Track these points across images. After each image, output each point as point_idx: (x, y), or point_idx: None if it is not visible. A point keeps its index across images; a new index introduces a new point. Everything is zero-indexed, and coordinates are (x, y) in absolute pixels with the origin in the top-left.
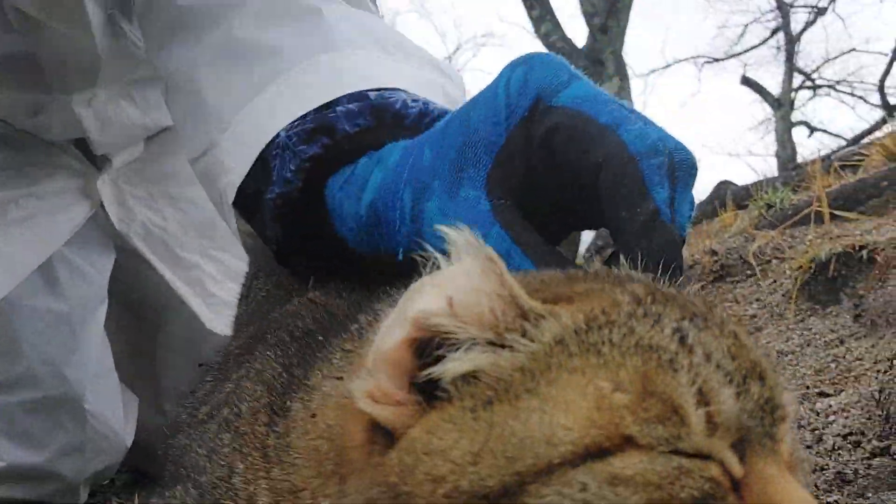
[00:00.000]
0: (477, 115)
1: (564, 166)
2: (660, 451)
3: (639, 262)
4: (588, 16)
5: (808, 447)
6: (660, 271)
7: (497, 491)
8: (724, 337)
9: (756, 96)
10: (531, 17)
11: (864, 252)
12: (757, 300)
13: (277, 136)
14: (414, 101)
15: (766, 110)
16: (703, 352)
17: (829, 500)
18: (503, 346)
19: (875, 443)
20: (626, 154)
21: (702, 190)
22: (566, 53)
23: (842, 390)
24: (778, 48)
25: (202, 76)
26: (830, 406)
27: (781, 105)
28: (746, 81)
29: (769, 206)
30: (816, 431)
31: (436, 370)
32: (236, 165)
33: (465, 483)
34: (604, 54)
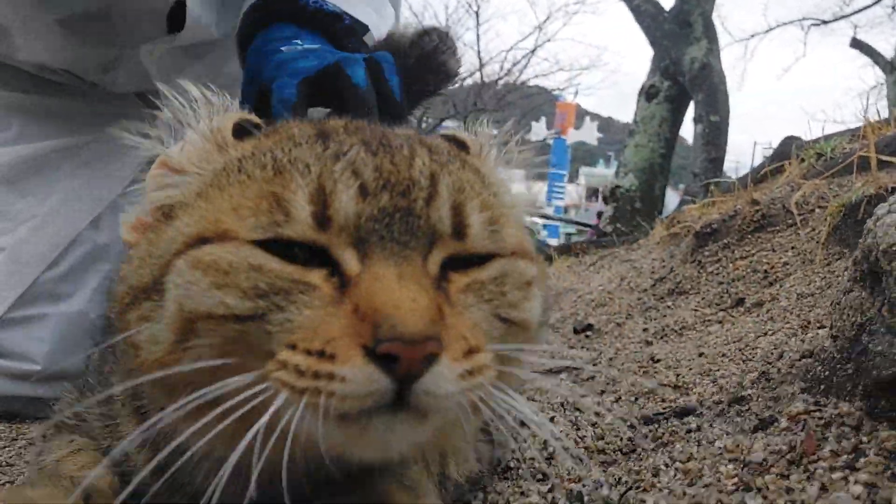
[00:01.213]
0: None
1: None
2: (254, 240)
3: None
4: None
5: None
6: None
7: (149, 284)
8: (383, 157)
9: (867, 60)
10: None
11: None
12: (792, 248)
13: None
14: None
15: (877, 75)
16: (341, 165)
17: (746, 395)
18: (186, 181)
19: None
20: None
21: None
22: (651, 16)
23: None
24: (893, 7)
25: None
26: (818, 335)
27: (894, 68)
28: (857, 44)
29: (819, 156)
30: None
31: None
32: None
33: (135, 280)
34: (692, 16)
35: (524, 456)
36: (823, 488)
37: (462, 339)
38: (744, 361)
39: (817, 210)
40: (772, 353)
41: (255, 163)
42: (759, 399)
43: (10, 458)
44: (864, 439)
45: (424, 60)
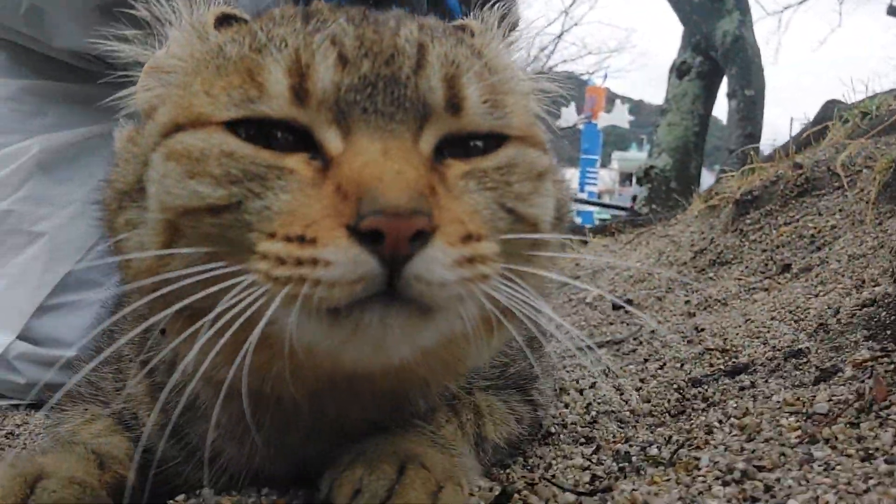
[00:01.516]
0: None
1: None
2: (226, 120)
3: None
4: None
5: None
6: None
7: (132, 185)
8: (366, 28)
9: None
10: None
11: None
12: (840, 210)
13: None
14: None
15: None
16: (320, 37)
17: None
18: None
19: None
20: None
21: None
22: None
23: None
24: None
25: None
26: (875, 292)
27: None
28: (894, 11)
29: (864, 115)
30: None
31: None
32: None
33: (119, 183)
34: None
35: (566, 421)
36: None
37: (458, 223)
38: (795, 322)
39: (864, 170)
40: (826, 311)
41: (232, 45)
42: (819, 351)
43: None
44: None
45: None
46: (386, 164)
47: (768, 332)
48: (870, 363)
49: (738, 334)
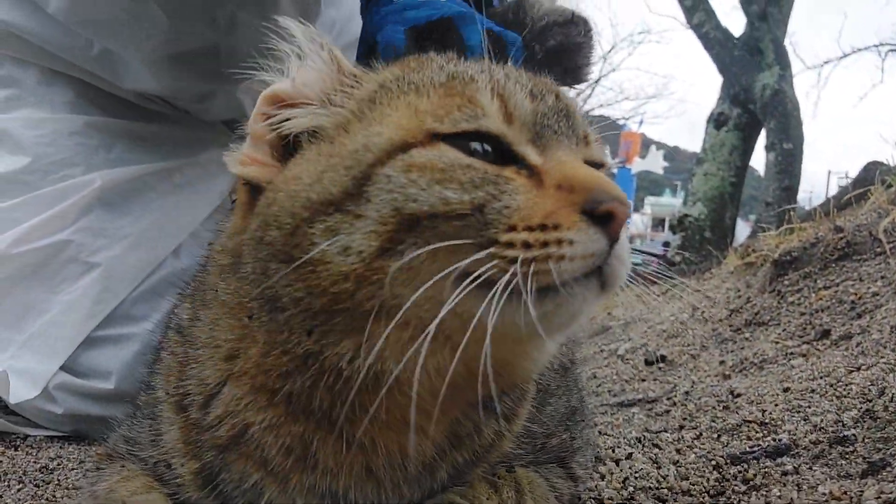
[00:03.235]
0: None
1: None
2: (455, 132)
3: None
4: (746, 3)
5: None
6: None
7: (339, 194)
8: (524, 75)
9: None
10: (683, 7)
11: None
12: (882, 277)
13: None
14: None
15: None
16: (504, 73)
17: (849, 434)
18: (333, 105)
19: None
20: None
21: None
22: (720, 43)
23: None
24: None
25: None
26: None
27: None
28: None
29: None
30: None
31: (284, 126)
32: None
33: (315, 193)
34: (762, 42)
35: (602, 496)
36: None
37: None
38: (837, 398)
39: None
40: (870, 390)
41: (420, 78)
42: (866, 440)
43: (78, 480)
44: None
45: (561, 54)
46: (590, 170)
47: (808, 406)
48: None
49: (776, 405)
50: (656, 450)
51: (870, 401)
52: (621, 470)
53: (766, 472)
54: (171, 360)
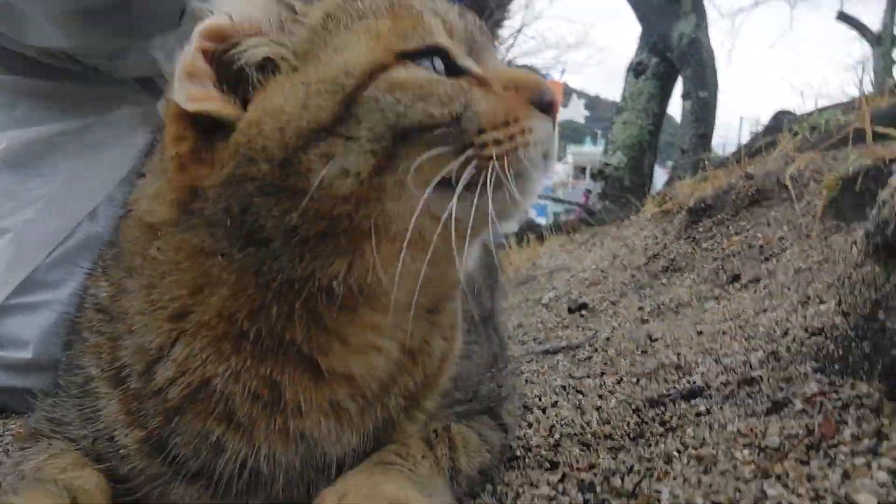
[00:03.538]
0: None
1: None
2: (418, 61)
3: None
4: None
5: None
6: None
7: (329, 120)
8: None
9: (854, 33)
10: None
11: (893, 164)
12: (788, 222)
13: None
14: None
15: (864, 48)
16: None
17: (755, 376)
18: (286, 34)
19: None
20: None
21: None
22: None
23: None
24: None
25: None
26: (819, 310)
27: (882, 42)
28: (843, 17)
29: (813, 129)
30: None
31: (244, 58)
32: None
33: (305, 122)
34: None
35: (530, 444)
36: (846, 475)
37: None
38: (746, 339)
39: (812, 183)
40: (775, 331)
41: (366, 5)
42: (770, 380)
43: None
44: (886, 422)
45: None
46: (517, 71)
47: (720, 348)
48: (819, 397)
49: (690, 349)
50: (580, 396)
51: (774, 341)
52: (548, 418)
53: (681, 415)
54: (99, 338)
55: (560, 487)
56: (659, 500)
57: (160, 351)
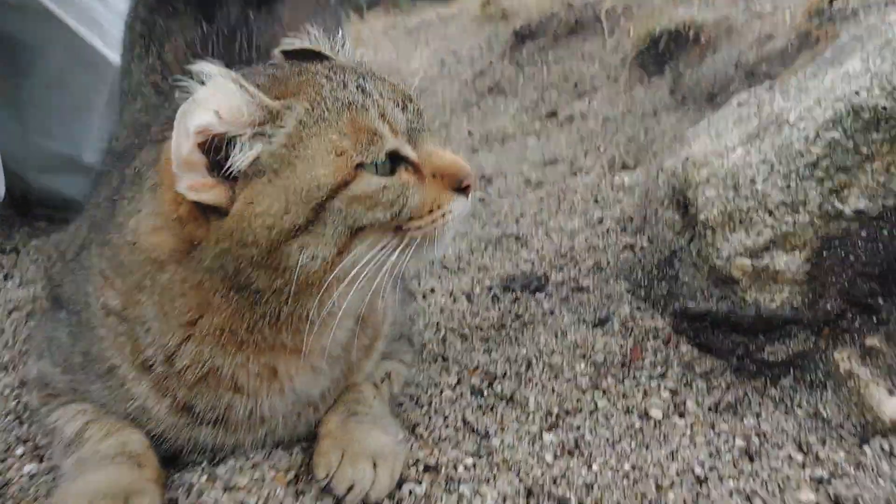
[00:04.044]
0: None
1: None
2: (373, 170)
3: None
4: None
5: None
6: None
7: (304, 222)
8: (384, 83)
9: None
10: None
11: (692, 31)
12: (600, 60)
13: None
14: None
15: None
16: (377, 93)
17: (584, 284)
18: (264, 136)
19: (628, 239)
20: None
21: None
22: None
23: (637, 166)
24: None
25: None
26: (624, 183)
27: None
28: None
29: None
30: (603, 212)
31: (234, 163)
32: None
33: (287, 224)
34: None
35: (424, 341)
36: (645, 393)
37: None
38: (568, 214)
39: (623, 21)
40: (591, 213)
41: (324, 111)
42: (596, 292)
43: None
44: (672, 353)
45: None
46: (447, 154)
47: (549, 220)
48: (630, 322)
49: (523, 216)
50: (452, 284)
51: (593, 227)
52: (432, 313)
53: (532, 312)
54: (120, 338)
55: (458, 391)
56: (528, 406)
57: (176, 347)
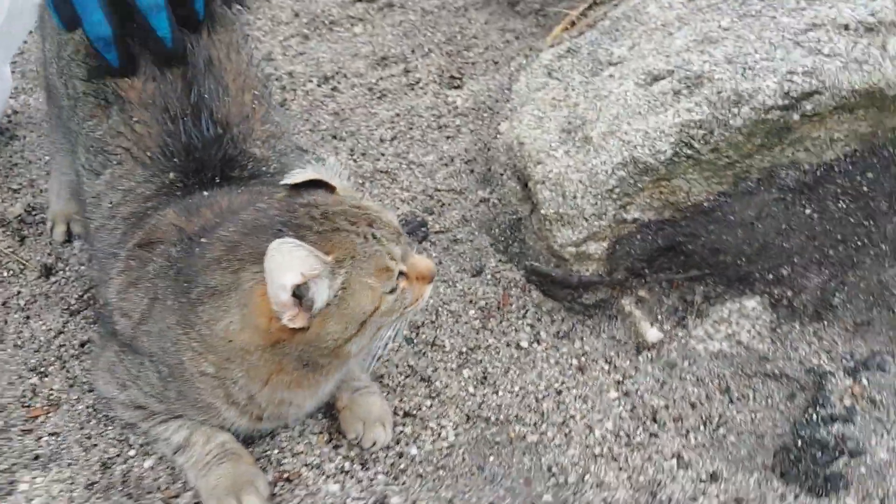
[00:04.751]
0: None
1: None
2: (388, 291)
3: None
4: None
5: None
6: None
7: (353, 334)
8: (383, 224)
9: None
10: None
11: None
12: None
13: None
14: None
15: None
16: (384, 238)
17: (459, 237)
18: (328, 283)
19: (481, 193)
20: None
21: None
22: None
23: (464, 82)
24: None
25: None
26: (457, 106)
27: None
28: None
29: None
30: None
31: (315, 303)
32: None
33: (346, 335)
34: None
35: None
36: (516, 330)
37: None
38: (422, 142)
39: None
40: (441, 146)
41: (362, 262)
42: (468, 244)
43: None
44: (528, 298)
45: None
46: (423, 261)
47: (409, 153)
48: (498, 273)
49: (382, 141)
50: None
51: (440, 150)
52: None
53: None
54: (219, 390)
55: (397, 341)
56: (445, 347)
57: (258, 392)
